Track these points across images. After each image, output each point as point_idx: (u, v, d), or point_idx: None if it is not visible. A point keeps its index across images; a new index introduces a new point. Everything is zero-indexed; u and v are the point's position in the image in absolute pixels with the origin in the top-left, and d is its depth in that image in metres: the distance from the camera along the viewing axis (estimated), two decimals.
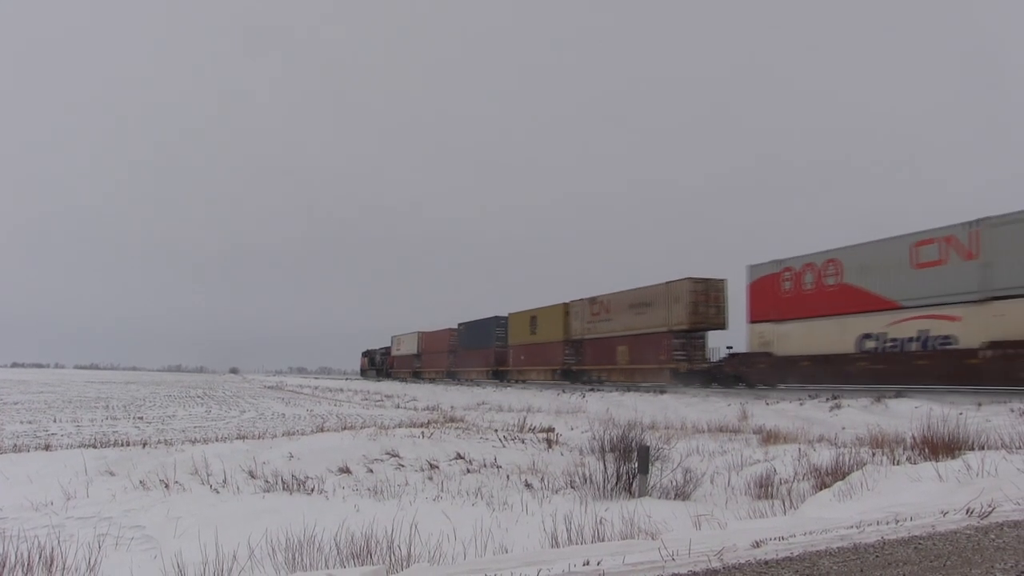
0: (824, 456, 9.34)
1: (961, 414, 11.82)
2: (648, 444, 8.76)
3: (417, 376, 60.16)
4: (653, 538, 4.75)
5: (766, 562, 3.57)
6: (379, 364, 73.28)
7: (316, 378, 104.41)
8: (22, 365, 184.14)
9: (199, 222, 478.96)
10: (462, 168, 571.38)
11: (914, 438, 9.39)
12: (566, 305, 36.62)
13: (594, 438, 9.85)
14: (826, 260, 21.23)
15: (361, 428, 14.64)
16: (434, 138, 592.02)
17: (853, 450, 9.63)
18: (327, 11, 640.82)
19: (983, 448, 8.22)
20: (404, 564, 4.59)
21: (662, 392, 24.49)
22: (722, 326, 27.71)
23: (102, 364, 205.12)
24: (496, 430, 14.56)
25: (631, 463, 8.54)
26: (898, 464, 7.95)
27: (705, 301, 27.49)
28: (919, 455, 8.44)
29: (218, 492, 8.17)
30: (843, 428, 13.75)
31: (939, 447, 8.35)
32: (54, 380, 65.70)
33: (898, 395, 16.61)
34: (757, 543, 4.01)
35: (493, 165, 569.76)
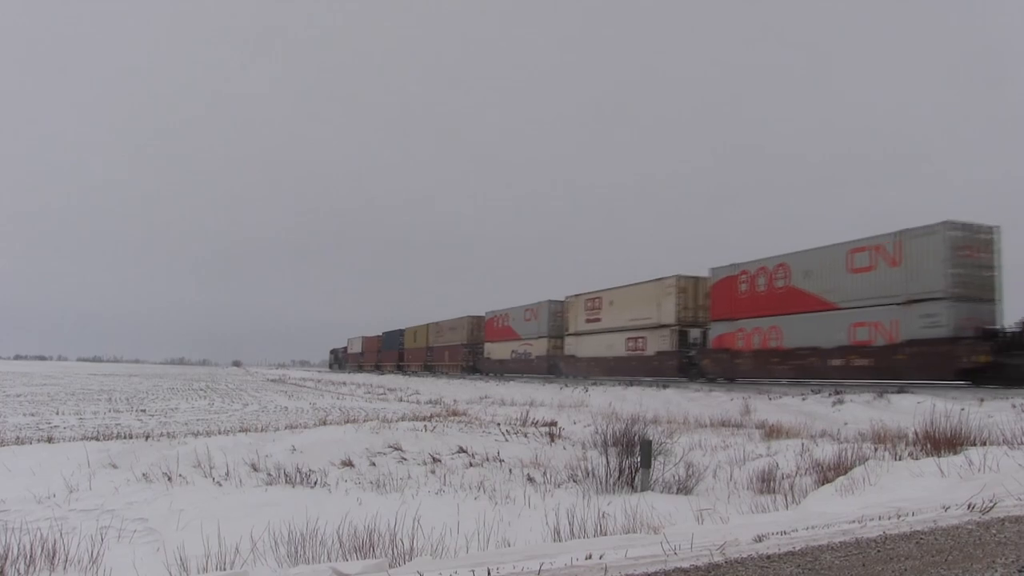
0: (826, 451, 9.35)
1: (963, 410, 11.82)
2: (650, 438, 8.75)
3: (360, 368, 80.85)
4: (655, 532, 4.75)
5: (768, 556, 3.56)
6: (340, 359, 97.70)
7: (319, 371, 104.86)
8: (25, 357, 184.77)
9: (202, 216, 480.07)
10: (462, 163, 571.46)
11: (916, 433, 9.38)
12: (427, 325, 60.95)
13: (596, 432, 9.83)
14: (504, 313, 46.34)
15: (364, 421, 14.69)
16: (433, 135, 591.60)
17: (855, 445, 9.63)
18: (330, 8, 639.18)
19: (985, 444, 8.19)
20: (407, 557, 4.60)
21: (665, 387, 25.35)
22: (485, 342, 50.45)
23: (105, 357, 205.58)
24: (499, 424, 14.60)
25: (633, 457, 8.54)
26: (900, 459, 7.94)
27: (478, 328, 51.62)
28: (921, 450, 8.43)
29: (221, 485, 8.19)
30: (845, 423, 13.79)
31: (941, 442, 8.33)
32: (57, 372, 65.97)
33: (900, 391, 17.16)
34: (759, 537, 4.01)
35: (493, 160, 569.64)
